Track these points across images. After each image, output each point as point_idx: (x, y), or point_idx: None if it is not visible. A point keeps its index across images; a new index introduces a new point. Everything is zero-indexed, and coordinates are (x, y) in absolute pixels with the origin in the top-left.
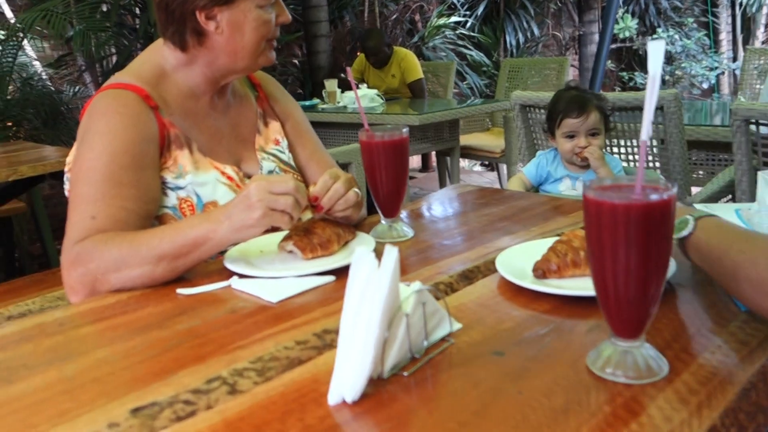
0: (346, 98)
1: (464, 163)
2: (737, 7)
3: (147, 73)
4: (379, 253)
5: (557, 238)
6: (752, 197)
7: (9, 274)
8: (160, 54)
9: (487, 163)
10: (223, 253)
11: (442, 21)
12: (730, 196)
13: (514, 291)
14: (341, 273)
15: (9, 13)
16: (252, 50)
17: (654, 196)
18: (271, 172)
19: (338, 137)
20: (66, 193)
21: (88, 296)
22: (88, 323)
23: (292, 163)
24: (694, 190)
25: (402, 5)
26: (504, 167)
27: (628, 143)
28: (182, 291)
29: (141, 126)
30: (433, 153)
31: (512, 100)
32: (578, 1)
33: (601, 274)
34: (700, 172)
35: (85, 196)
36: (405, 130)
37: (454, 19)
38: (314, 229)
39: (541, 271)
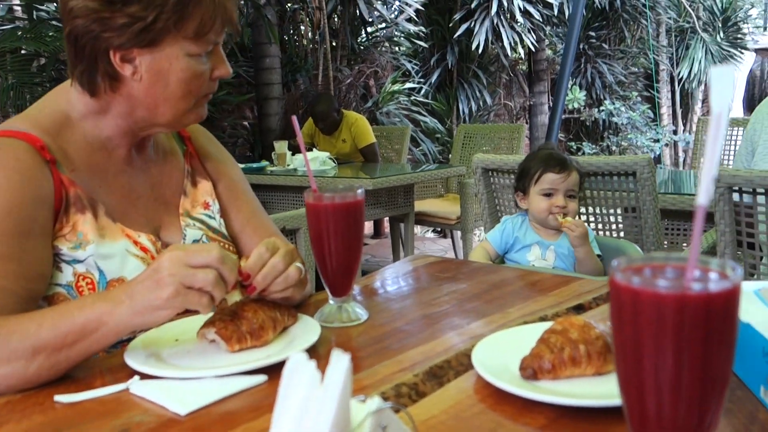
0: (297, 161)
1: (417, 229)
2: (676, 83)
3: (47, 119)
4: (325, 341)
5: (545, 324)
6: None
7: None
8: (65, 98)
9: (439, 229)
10: (128, 341)
11: (396, 87)
12: None
13: (497, 396)
14: (276, 371)
15: None
16: (176, 105)
17: (716, 284)
18: (196, 241)
19: (287, 201)
20: None
21: None
22: None
23: (224, 230)
24: None
25: (356, 70)
26: (459, 234)
27: (597, 210)
28: (61, 398)
29: (31, 183)
30: (386, 219)
31: (474, 163)
32: (529, 73)
33: (637, 390)
34: (664, 243)
35: None
36: (360, 191)
37: (408, 85)
38: (243, 312)
39: (531, 370)
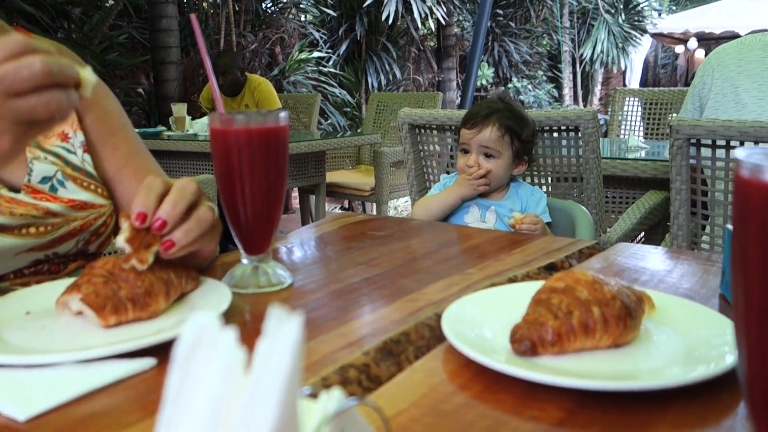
0: (197, 125)
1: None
2: (578, 64)
3: None
4: (238, 311)
5: (526, 286)
6: (689, 234)
7: None
8: None
9: (347, 206)
10: None
11: (303, 56)
12: (642, 235)
13: (483, 380)
14: (170, 351)
15: None
16: None
17: None
18: (47, 178)
19: (187, 169)
20: None
21: None
22: None
23: (90, 169)
24: None
25: (261, 36)
26: (372, 207)
27: (534, 170)
28: None
29: None
30: (295, 192)
31: (400, 118)
32: (437, 49)
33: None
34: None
35: None
36: (283, 114)
37: (316, 54)
38: (123, 273)
39: (528, 342)
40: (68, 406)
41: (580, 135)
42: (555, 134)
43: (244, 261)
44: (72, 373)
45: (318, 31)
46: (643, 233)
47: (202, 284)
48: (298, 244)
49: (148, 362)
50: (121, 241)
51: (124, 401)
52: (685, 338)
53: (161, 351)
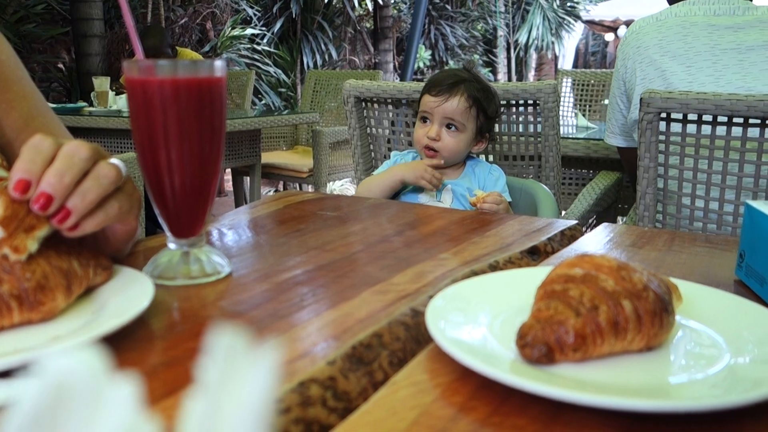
0: (121, 101)
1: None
2: (512, 50)
3: None
4: (164, 308)
5: (518, 273)
6: (655, 214)
7: None
8: None
9: (282, 189)
10: None
11: (236, 32)
12: (593, 218)
13: (487, 395)
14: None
15: None
16: None
17: None
18: None
19: (110, 147)
20: None
21: None
22: None
23: None
24: None
25: (192, 11)
26: (310, 189)
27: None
28: None
29: None
30: (228, 174)
31: (346, 90)
32: (374, 31)
33: None
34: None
35: None
36: (219, 63)
37: (249, 31)
38: (4, 263)
39: (544, 347)
40: None
41: (539, 110)
42: (513, 109)
43: (172, 246)
44: None
45: (252, 7)
46: (594, 217)
47: (116, 275)
48: (236, 226)
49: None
50: None
51: None
52: (729, 338)
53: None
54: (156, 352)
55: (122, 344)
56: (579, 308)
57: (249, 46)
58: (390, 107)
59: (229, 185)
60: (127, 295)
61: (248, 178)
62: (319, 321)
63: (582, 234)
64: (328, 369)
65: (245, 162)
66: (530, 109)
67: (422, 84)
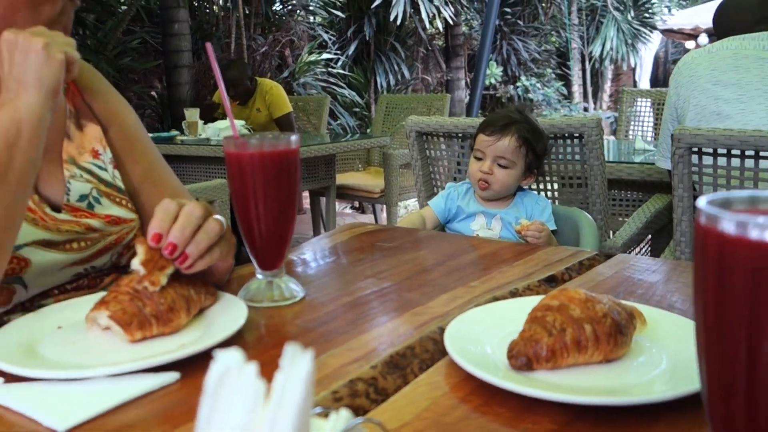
0: (210, 130)
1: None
2: (587, 62)
3: None
4: (254, 325)
5: (524, 301)
6: (692, 241)
7: None
8: None
9: (357, 205)
10: None
11: (313, 57)
12: (649, 238)
13: (482, 394)
14: (192, 366)
15: None
16: (38, 9)
17: None
18: (84, 196)
19: (199, 173)
20: None
21: None
22: None
23: (119, 183)
24: None
25: (271, 39)
26: (382, 209)
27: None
28: None
29: None
30: (306, 193)
31: (408, 126)
32: (446, 48)
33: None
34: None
35: None
36: (294, 138)
37: (325, 56)
38: (146, 290)
39: (524, 358)
40: (101, 418)
41: (584, 142)
42: (560, 140)
43: (259, 276)
44: (104, 386)
45: (327, 32)
46: (649, 236)
47: (219, 299)
48: (311, 255)
49: (172, 376)
50: (136, 263)
51: (151, 414)
52: (673, 354)
53: (185, 365)
54: (249, 356)
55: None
56: (551, 330)
57: (324, 70)
58: (448, 140)
59: (307, 203)
60: (229, 315)
61: (324, 198)
62: (368, 335)
63: (600, 263)
64: (371, 371)
65: (321, 184)
66: (576, 140)
67: (477, 120)
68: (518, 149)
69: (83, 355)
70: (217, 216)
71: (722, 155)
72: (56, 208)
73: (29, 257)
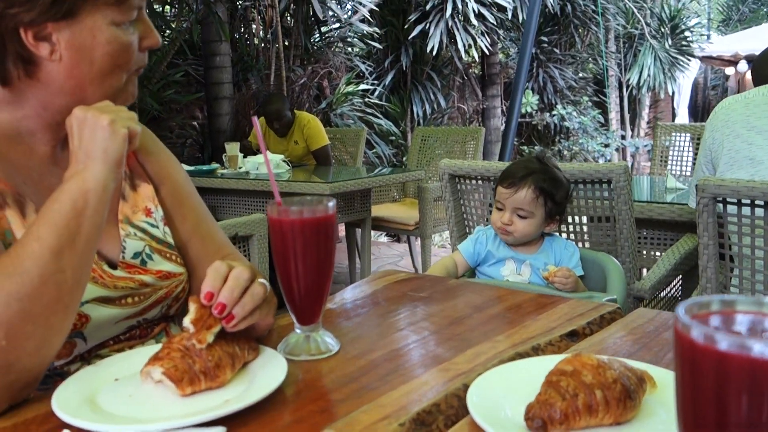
0: (249, 163)
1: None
2: (624, 89)
3: None
4: (293, 379)
5: (544, 360)
6: (718, 286)
7: None
8: None
9: (393, 233)
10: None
11: (350, 88)
12: (679, 278)
13: None
14: (236, 419)
15: None
16: (105, 85)
17: None
18: (138, 254)
19: (238, 206)
20: None
21: None
22: None
23: (170, 240)
24: None
25: (310, 70)
26: (415, 239)
27: (569, 219)
28: None
29: None
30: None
31: (441, 169)
32: (482, 77)
33: None
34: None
35: None
36: (331, 204)
37: (362, 86)
38: (195, 348)
39: (540, 421)
40: None
41: (612, 187)
42: (588, 185)
43: (297, 330)
44: None
45: (364, 63)
46: (680, 277)
47: (261, 353)
48: (348, 305)
49: (219, 430)
50: (187, 321)
51: None
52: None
53: (230, 419)
54: (288, 411)
55: (267, 405)
56: (565, 395)
57: (361, 100)
58: (481, 182)
59: (342, 232)
60: (270, 370)
61: (360, 229)
62: (397, 392)
63: (621, 316)
64: (400, 429)
65: (357, 217)
66: (605, 185)
67: (505, 165)
68: (536, 200)
69: (139, 408)
70: (261, 280)
71: (746, 205)
72: (112, 265)
73: (89, 313)
